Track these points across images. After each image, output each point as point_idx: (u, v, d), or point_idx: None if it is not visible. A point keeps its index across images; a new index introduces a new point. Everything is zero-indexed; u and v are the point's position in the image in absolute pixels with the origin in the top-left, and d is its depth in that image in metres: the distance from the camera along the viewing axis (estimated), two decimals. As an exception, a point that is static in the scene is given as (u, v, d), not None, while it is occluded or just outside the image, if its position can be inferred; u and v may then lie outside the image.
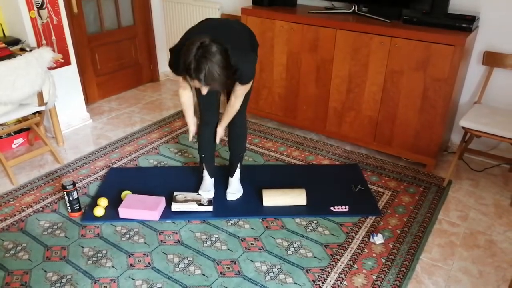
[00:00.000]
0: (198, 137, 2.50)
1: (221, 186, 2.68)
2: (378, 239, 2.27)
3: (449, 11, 2.76)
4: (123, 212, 2.40)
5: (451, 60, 2.54)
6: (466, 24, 2.58)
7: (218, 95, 2.36)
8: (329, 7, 3.29)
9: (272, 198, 2.52)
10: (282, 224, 2.40)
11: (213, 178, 2.63)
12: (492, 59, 2.76)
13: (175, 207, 2.44)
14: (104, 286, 1.99)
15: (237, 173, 2.63)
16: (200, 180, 2.69)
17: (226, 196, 2.59)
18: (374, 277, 2.05)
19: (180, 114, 3.76)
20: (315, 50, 3.05)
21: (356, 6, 3.06)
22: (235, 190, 2.61)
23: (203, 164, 2.59)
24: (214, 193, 2.61)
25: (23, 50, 2.91)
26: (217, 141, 2.47)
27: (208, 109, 2.39)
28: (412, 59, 2.67)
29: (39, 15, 3.05)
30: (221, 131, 2.45)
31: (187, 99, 2.34)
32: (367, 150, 3.20)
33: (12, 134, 3.16)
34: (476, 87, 2.94)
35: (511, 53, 2.71)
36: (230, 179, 2.63)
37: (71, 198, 2.40)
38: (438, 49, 2.56)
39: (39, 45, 3.09)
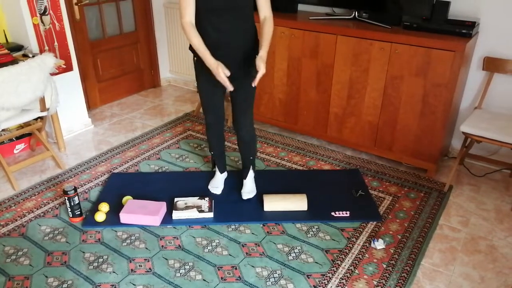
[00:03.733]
0: (207, 137, 2.55)
1: (224, 189, 2.69)
2: (379, 244, 2.27)
3: (449, 17, 2.77)
4: (124, 217, 2.40)
5: (451, 65, 2.55)
6: (466, 30, 2.60)
7: (222, 94, 2.38)
8: (329, 13, 3.30)
9: (273, 203, 2.52)
10: (283, 229, 2.40)
11: (224, 173, 2.68)
12: (492, 65, 2.77)
13: (176, 215, 2.44)
14: (105, 292, 1.99)
15: (251, 173, 2.67)
16: (201, 183, 2.70)
17: (241, 195, 2.63)
18: (375, 283, 2.05)
19: (181, 120, 3.78)
20: (315, 56, 3.06)
21: (356, 12, 3.08)
22: (249, 189, 2.65)
23: (214, 160, 2.66)
24: (216, 197, 2.62)
25: (25, 56, 2.93)
26: (255, 84, 2.19)
27: (211, 110, 2.41)
28: (412, 64, 2.68)
29: (42, 22, 3.07)
30: (263, 68, 2.12)
31: (195, 33, 2.10)
32: (368, 155, 3.20)
33: (14, 139, 3.17)
34: (477, 92, 2.95)
35: (511, 59, 2.72)
36: (244, 180, 2.67)
37: (72, 203, 2.40)
38: (438, 54, 2.57)
39: (41, 51, 3.11)
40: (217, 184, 2.68)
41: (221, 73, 2.10)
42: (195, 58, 2.27)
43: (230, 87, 2.16)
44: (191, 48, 2.25)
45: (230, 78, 2.25)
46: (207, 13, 2.10)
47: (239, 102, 2.39)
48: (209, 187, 2.69)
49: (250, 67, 2.27)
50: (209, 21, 2.11)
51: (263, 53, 2.18)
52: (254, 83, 2.19)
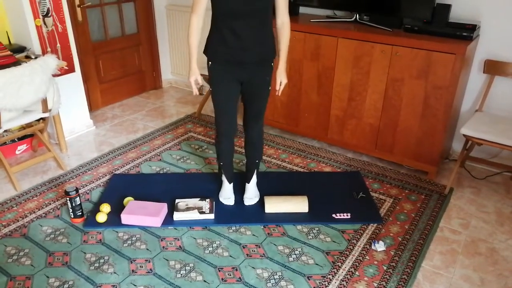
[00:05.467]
0: (216, 147, 2.50)
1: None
2: (380, 246, 2.27)
3: (450, 20, 2.78)
4: (125, 218, 2.41)
5: (452, 68, 2.55)
6: (466, 32, 2.60)
7: (236, 101, 2.35)
8: (331, 15, 3.32)
9: (274, 205, 2.53)
10: (284, 231, 2.41)
11: (232, 184, 2.63)
12: (493, 68, 2.78)
13: (177, 216, 2.45)
14: (105, 292, 2.00)
15: (254, 178, 2.64)
16: (202, 185, 2.70)
17: (243, 201, 2.61)
18: (375, 285, 2.05)
19: (182, 122, 3.79)
20: (317, 58, 3.07)
21: (357, 15, 3.09)
22: (252, 195, 2.63)
23: (222, 170, 2.61)
24: (216, 199, 2.62)
25: (28, 57, 2.94)
26: (279, 93, 2.35)
27: (225, 119, 2.36)
28: (413, 67, 2.69)
29: (44, 23, 3.09)
30: (284, 79, 2.30)
31: (196, 33, 2.18)
32: (368, 157, 3.21)
33: (16, 140, 3.18)
34: (477, 95, 2.96)
35: (512, 62, 2.73)
36: (247, 185, 2.64)
37: (73, 204, 2.41)
38: (439, 57, 2.58)
39: (44, 52, 3.13)
40: (229, 195, 2.61)
41: (193, 81, 2.26)
42: (210, 62, 2.24)
43: (195, 92, 2.29)
44: (205, 52, 2.25)
45: (244, 82, 2.27)
46: (224, 16, 2.08)
47: (252, 107, 2.37)
48: (220, 199, 2.62)
49: (265, 73, 2.27)
50: (226, 24, 2.09)
51: (282, 66, 2.29)
52: (278, 93, 2.34)
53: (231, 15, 2.07)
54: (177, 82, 4.70)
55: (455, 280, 2.09)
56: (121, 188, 2.75)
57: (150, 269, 2.13)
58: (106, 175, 2.95)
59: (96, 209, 2.54)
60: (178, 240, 2.33)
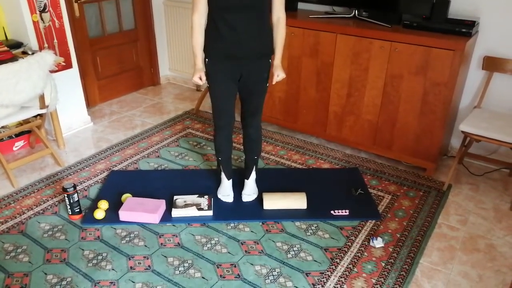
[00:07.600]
0: (214, 141, 2.50)
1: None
2: (378, 242, 2.27)
3: (449, 16, 2.77)
4: (123, 215, 2.40)
5: (451, 64, 2.55)
6: (465, 29, 2.60)
7: (234, 97, 2.35)
8: (329, 11, 3.30)
9: (272, 201, 2.52)
10: (282, 227, 2.41)
11: (231, 180, 2.62)
12: (491, 64, 2.78)
13: (175, 213, 2.44)
14: (104, 289, 1.99)
15: (253, 175, 2.63)
16: (200, 181, 2.69)
17: (241, 197, 2.60)
18: (373, 281, 2.05)
19: (180, 118, 3.78)
20: (315, 55, 3.06)
21: (356, 11, 3.08)
22: (250, 191, 2.62)
23: (220, 166, 2.60)
24: (215, 195, 2.62)
25: (25, 53, 2.93)
26: (273, 82, 2.33)
27: (223, 115, 2.36)
28: (412, 63, 2.68)
29: (41, 19, 3.07)
30: (281, 73, 2.28)
31: (200, 32, 2.16)
32: (367, 154, 3.21)
33: (13, 136, 3.17)
34: (476, 91, 2.95)
35: (511, 58, 2.72)
36: (246, 181, 2.64)
37: (71, 201, 2.40)
38: (438, 53, 2.57)
39: (41, 48, 3.11)
40: (227, 192, 2.61)
41: (197, 78, 2.22)
42: (207, 59, 2.23)
43: (199, 82, 2.24)
44: (205, 49, 2.23)
45: (241, 79, 2.26)
46: (221, 10, 2.06)
47: (249, 104, 2.37)
48: (219, 195, 2.61)
49: (263, 69, 2.26)
50: (223, 19, 2.07)
51: (278, 62, 2.28)
52: (273, 82, 2.32)
53: (227, 10, 2.05)
54: (175, 78, 4.68)
55: (453, 277, 2.10)
56: (119, 185, 2.75)
57: (149, 266, 2.13)
58: (104, 172, 2.94)
59: (94, 206, 2.53)
60: (177, 236, 2.33)
